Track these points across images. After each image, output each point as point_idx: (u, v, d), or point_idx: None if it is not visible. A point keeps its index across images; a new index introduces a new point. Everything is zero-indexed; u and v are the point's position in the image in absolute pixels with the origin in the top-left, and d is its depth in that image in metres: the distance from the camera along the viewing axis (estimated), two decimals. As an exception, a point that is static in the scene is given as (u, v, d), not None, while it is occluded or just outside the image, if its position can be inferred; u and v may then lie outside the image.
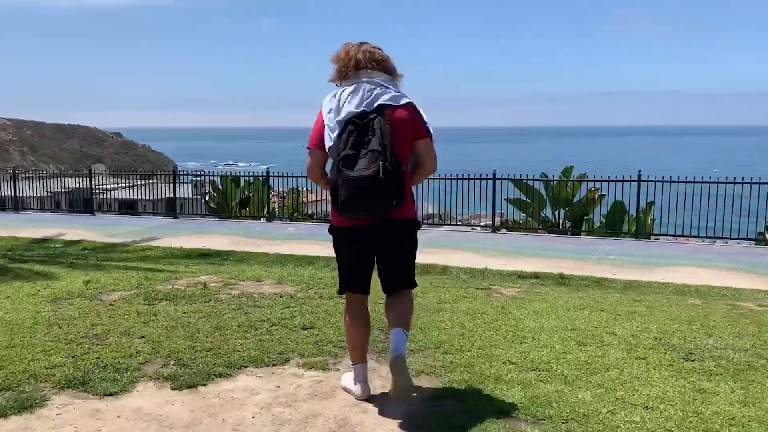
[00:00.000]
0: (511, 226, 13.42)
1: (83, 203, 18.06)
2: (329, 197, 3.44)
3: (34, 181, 18.80)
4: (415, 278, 3.51)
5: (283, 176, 15.44)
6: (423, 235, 11.35)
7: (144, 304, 5.71)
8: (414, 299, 3.63)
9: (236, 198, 17.30)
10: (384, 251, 3.37)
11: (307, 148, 3.37)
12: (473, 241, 11.27)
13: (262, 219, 15.35)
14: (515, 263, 9.13)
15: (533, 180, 13.94)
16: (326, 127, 3.28)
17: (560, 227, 13.82)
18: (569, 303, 6.04)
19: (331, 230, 3.47)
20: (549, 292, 6.79)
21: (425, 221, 13.31)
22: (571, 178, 14.33)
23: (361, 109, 3.18)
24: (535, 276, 8.06)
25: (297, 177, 14.92)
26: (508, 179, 13.05)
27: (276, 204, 17.13)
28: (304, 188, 15.60)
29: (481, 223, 14.46)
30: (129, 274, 7.29)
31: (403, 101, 3.26)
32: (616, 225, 13.02)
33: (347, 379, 3.58)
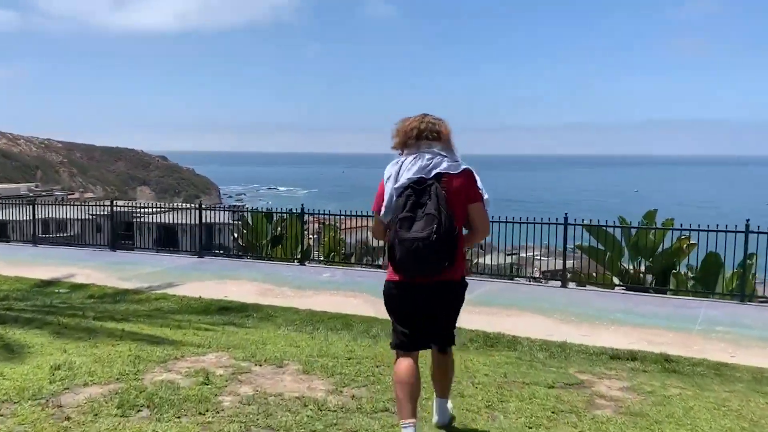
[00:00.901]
0: (582, 278, 11.26)
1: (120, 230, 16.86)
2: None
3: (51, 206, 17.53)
4: (455, 337, 3.68)
5: (318, 214, 13.83)
6: (480, 287, 9.72)
7: (115, 415, 4.09)
8: (453, 357, 3.80)
9: (267, 235, 15.75)
10: (431, 308, 3.49)
11: (373, 210, 3.63)
12: (541, 298, 9.42)
13: (295, 261, 13.82)
14: (599, 334, 7.35)
15: (612, 227, 11.53)
16: (386, 192, 3.49)
17: (640, 280, 11.79)
18: (710, 422, 4.24)
19: (386, 284, 3.59)
20: (663, 389, 5.04)
21: (482, 270, 11.58)
22: (657, 226, 12.05)
23: (419, 176, 3.38)
24: (632, 357, 6.23)
25: (334, 215, 13.57)
26: (581, 225, 11.17)
27: (311, 240, 15.68)
28: (342, 217, 13.96)
29: (533, 273, 12.73)
30: (118, 350, 5.71)
31: (460, 169, 3.44)
32: (710, 282, 10.85)
33: None
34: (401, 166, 3.48)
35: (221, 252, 15.27)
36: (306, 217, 14.26)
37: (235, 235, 16.79)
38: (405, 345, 3.54)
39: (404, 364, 3.49)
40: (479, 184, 3.52)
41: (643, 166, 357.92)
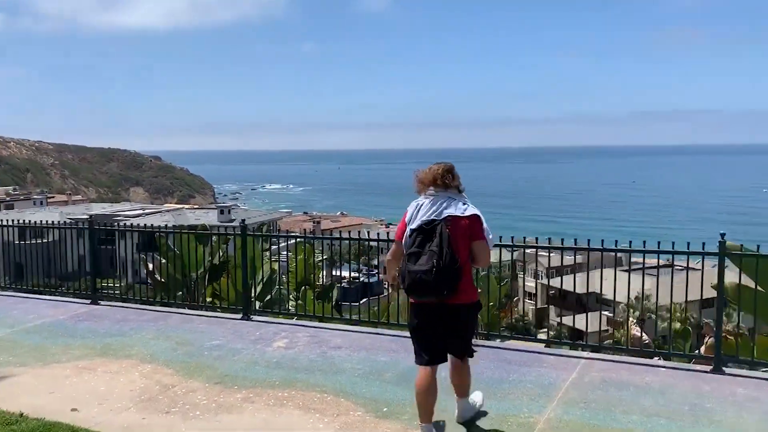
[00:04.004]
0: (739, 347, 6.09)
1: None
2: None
3: None
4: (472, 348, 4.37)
5: (274, 236, 8.66)
6: (565, 374, 5.44)
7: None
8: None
9: (201, 266, 10.16)
10: (444, 328, 4.19)
11: (394, 239, 4.46)
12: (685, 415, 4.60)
13: (239, 314, 7.64)
14: None
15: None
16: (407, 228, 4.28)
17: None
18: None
19: (410, 304, 4.35)
20: None
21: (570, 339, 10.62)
22: None
23: (431, 217, 4.14)
24: None
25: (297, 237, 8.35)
26: (738, 253, 5.68)
27: (276, 266, 10.83)
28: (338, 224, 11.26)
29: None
30: None
31: (467, 213, 4.17)
32: None
33: None
34: (419, 209, 4.23)
35: (128, 295, 9.32)
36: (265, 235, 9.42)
37: (150, 266, 10.92)
38: (424, 358, 4.22)
39: (422, 375, 4.21)
40: (485, 225, 4.22)
41: (632, 156, 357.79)
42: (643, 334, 7.24)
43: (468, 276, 4.17)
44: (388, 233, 6.93)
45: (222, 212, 63.32)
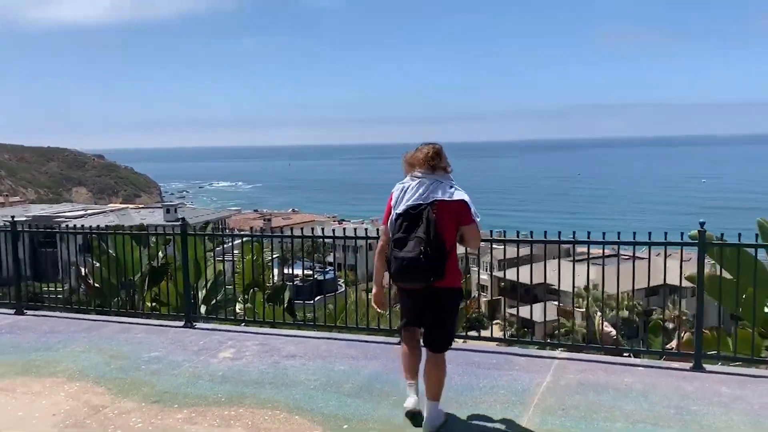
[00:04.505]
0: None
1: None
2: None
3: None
4: (447, 344, 4.20)
5: (217, 235, 8.14)
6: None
7: None
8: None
9: (139, 270, 9.17)
10: (427, 310, 4.11)
11: (382, 224, 4.38)
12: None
13: (181, 321, 6.98)
14: None
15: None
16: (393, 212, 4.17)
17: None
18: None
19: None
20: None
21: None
22: None
23: (418, 202, 4.01)
24: None
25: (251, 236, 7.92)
26: (719, 243, 5.47)
27: (224, 267, 9.86)
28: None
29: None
30: None
31: (455, 197, 4.04)
32: None
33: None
34: (405, 191, 4.10)
35: (61, 304, 8.34)
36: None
37: (84, 270, 9.45)
38: (407, 324, 4.22)
39: (406, 338, 4.25)
40: (473, 209, 4.10)
41: (576, 150, 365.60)
42: (612, 329, 6.92)
43: (454, 261, 4.06)
44: (344, 230, 6.40)
45: (168, 211, 61.56)
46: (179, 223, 6.89)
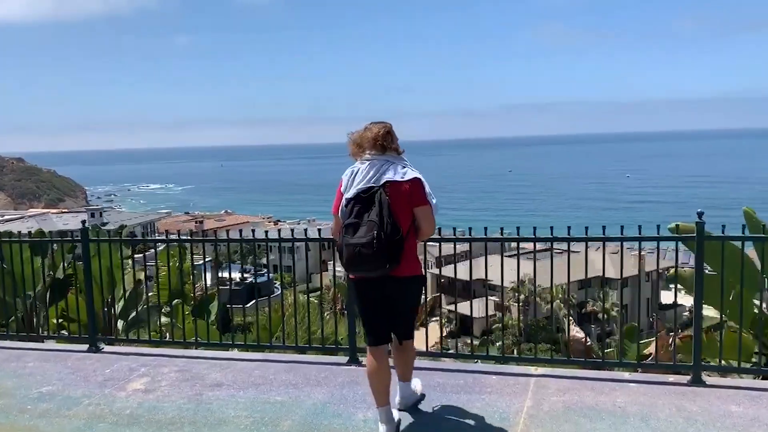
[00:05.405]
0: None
1: None
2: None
3: None
4: (412, 331, 3.95)
5: (128, 240, 6.40)
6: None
7: None
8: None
9: (39, 284, 7.47)
10: (386, 302, 3.80)
11: (332, 213, 3.95)
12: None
13: (86, 344, 5.90)
14: None
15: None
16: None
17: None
18: None
19: (349, 280, 4.14)
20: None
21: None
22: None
23: (369, 184, 3.70)
24: None
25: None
26: (719, 236, 4.63)
27: (144, 276, 8.73)
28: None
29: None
30: None
31: (407, 177, 3.73)
32: None
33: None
34: (355, 175, 3.78)
35: None
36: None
37: None
38: (372, 339, 3.84)
39: (372, 358, 3.81)
40: (427, 189, 3.78)
41: (506, 148, 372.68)
42: (581, 333, 6.21)
43: (412, 246, 3.79)
44: (279, 231, 5.41)
45: (93, 215, 59.08)
46: (110, 227, 5.74)
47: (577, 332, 5.95)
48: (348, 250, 3.60)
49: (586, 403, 4.13)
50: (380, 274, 3.64)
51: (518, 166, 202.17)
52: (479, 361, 5.36)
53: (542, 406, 4.11)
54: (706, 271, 5.18)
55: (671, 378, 4.53)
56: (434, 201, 3.79)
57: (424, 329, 5.23)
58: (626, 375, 4.68)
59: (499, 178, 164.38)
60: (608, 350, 6.70)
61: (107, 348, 5.81)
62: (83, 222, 5.78)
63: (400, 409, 4.02)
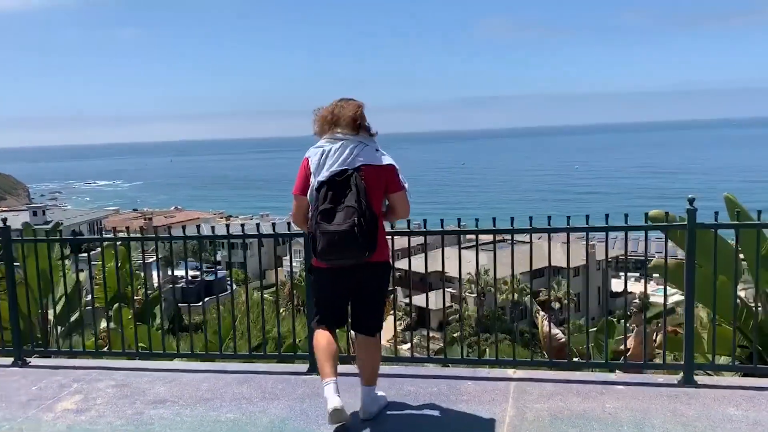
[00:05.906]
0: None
1: None
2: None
3: None
4: (381, 322, 3.75)
5: (55, 240, 5.84)
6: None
7: None
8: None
9: None
10: (356, 291, 3.66)
11: (293, 194, 3.66)
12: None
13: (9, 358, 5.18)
14: None
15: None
16: (311, 179, 3.55)
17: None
18: None
19: (309, 270, 3.80)
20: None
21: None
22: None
23: (344, 167, 3.47)
24: None
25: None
26: (712, 224, 4.25)
27: (74, 286, 7.62)
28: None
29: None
30: None
31: (382, 161, 3.57)
32: None
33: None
34: (326, 155, 3.52)
35: None
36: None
37: None
38: (326, 321, 3.67)
39: (322, 333, 3.63)
40: (401, 176, 3.65)
41: (456, 142, 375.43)
42: (559, 331, 5.87)
43: (383, 232, 3.67)
44: (227, 227, 4.86)
45: (36, 213, 56.64)
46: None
47: (552, 329, 5.61)
48: (325, 238, 3.38)
49: (573, 410, 3.75)
50: (357, 261, 3.48)
51: (470, 160, 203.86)
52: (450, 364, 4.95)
53: (526, 415, 3.72)
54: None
55: (660, 379, 4.19)
56: (406, 185, 3.68)
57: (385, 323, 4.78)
58: (612, 376, 4.33)
59: (451, 172, 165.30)
60: (581, 347, 6.37)
61: (36, 361, 5.18)
62: (4, 220, 5.09)
63: (364, 419, 3.64)
